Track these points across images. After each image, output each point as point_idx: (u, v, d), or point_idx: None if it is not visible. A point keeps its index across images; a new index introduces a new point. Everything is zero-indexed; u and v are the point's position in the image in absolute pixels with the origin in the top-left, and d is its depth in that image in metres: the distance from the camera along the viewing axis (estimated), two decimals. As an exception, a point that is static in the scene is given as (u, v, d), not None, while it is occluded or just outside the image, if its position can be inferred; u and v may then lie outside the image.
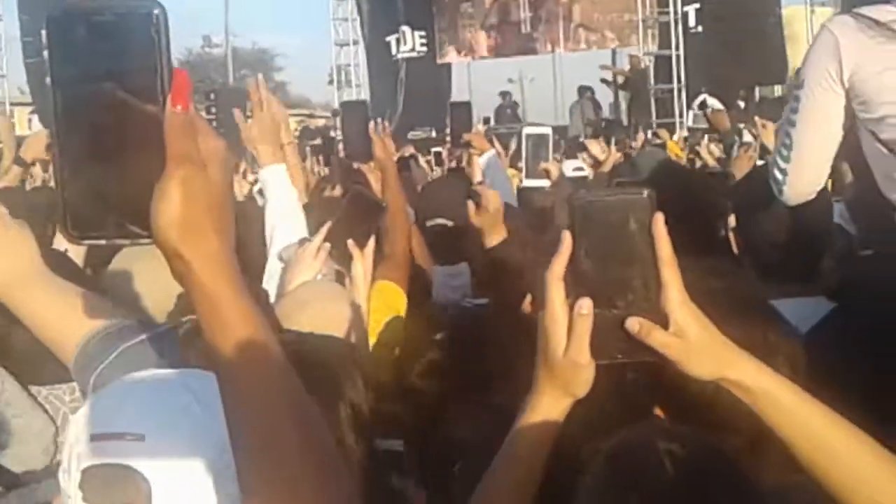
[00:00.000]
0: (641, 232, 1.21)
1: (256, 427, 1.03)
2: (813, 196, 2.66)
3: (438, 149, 9.82)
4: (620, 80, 19.48)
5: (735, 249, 2.89)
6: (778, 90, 18.40)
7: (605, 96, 20.75)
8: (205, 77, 35.65)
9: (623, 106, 20.05)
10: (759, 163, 5.24)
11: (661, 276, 1.21)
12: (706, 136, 9.62)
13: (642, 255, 1.21)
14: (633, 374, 1.46)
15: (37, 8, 18.50)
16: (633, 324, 1.22)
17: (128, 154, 0.96)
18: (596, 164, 7.56)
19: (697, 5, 18.23)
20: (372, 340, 2.73)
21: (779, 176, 2.66)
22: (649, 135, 11.93)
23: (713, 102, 12.27)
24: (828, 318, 2.48)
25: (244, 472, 1.04)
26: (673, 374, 1.25)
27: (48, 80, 0.95)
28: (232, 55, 36.92)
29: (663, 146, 9.91)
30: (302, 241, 2.82)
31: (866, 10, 2.48)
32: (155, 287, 2.51)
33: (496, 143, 5.20)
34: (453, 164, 8.68)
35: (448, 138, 6.92)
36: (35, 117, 16.36)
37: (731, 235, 2.95)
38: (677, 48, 18.29)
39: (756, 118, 6.02)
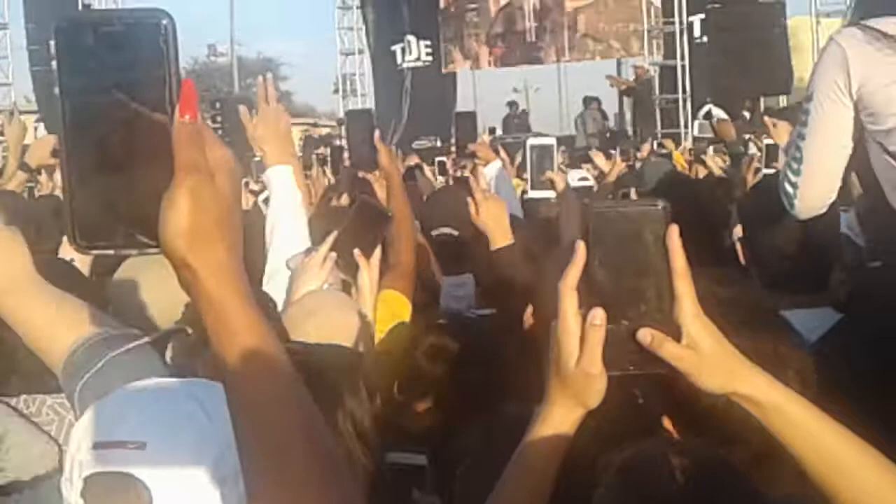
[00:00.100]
0: (656, 243, 1.21)
1: (263, 435, 1.03)
2: (825, 209, 2.65)
3: (442, 158, 9.81)
4: (625, 88, 19.50)
5: (742, 260, 2.88)
6: (783, 100, 18.40)
7: (610, 106, 20.79)
8: (210, 86, 35.83)
9: (628, 116, 20.06)
10: (767, 171, 5.23)
11: (674, 288, 1.21)
12: (711, 147, 9.61)
13: (656, 266, 1.21)
14: (643, 385, 1.45)
15: (43, 17, 18.62)
16: (646, 335, 1.22)
17: (136, 164, 0.96)
18: (601, 174, 7.56)
19: (702, 15, 18.24)
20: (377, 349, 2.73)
21: (790, 189, 2.65)
22: (655, 145, 11.92)
23: (718, 112, 12.26)
24: (835, 328, 2.48)
25: (250, 477, 1.04)
26: (684, 386, 1.25)
27: (56, 89, 0.95)
28: (237, 64, 37.10)
29: (669, 156, 9.91)
30: (308, 251, 2.82)
31: (874, 23, 2.48)
32: (160, 297, 2.51)
33: (502, 153, 5.19)
34: (458, 174, 8.68)
35: (453, 148, 6.92)
36: (41, 125, 16.38)
37: (738, 246, 2.94)
38: (682, 58, 18.32)
39: (765, 118, 5.99)
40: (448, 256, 3.93)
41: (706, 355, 1.22)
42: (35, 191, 6.41)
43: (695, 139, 12.72)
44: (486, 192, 3.22)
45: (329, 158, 10.06)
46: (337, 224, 2.90)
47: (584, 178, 7.44)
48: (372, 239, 2.87)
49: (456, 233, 4.05)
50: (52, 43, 0.95)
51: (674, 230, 1.21)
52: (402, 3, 21.36)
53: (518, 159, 6.62)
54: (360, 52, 22.84)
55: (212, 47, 43.49)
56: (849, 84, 2.47)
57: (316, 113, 39.03)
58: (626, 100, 19.88)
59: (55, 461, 2.03)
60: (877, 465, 1.23)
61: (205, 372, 1.43)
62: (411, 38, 21.37)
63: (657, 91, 18.64)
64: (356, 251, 2.78)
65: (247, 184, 7.81)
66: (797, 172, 2.63)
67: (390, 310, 2.99)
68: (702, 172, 7.82)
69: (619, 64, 21.46)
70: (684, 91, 18.20)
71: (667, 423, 1.52)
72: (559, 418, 1.33)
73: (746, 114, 15.58)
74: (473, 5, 21.02)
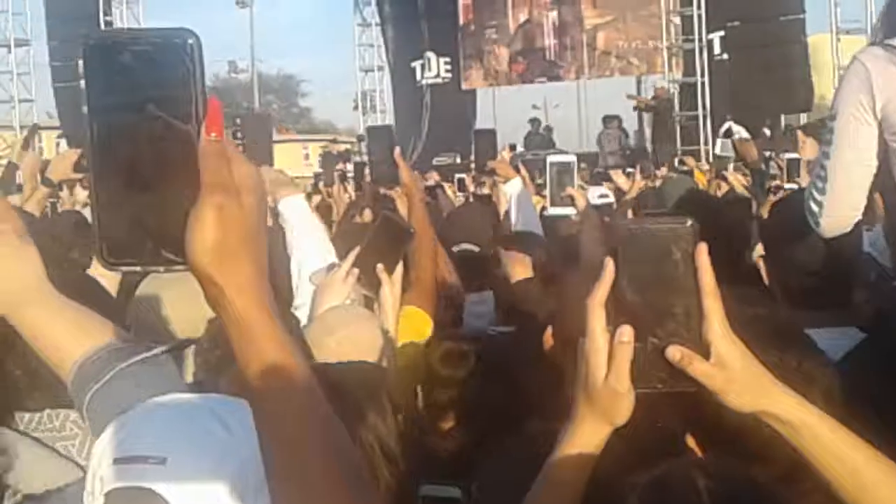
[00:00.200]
0: (684, 261, 1.21)
1: (287, 450, 1.04)
2: (850, 228, 2.64)
3: (462, 175, 9.82)
4: (644, 106, 19.47)
5: (765, 278, 2.87)
6: (803, 118, 18.35)
7: (630, 124, 20.76)
8: (231, 102, 36.03)
9: (648, 133, 20.03)
10: (789, 187, 5.21)
11: (703, 306, 1.21)
12: (731, 165, 9.60)
13: (684, 284, 1.21)
14: (666, 403, 1.44)
15: (67, 33, 18.81)
16: (675, 353, 1.22)
17: (163, 181, 0.96)
18: (620, 192, 7.55)
19: (723, 33, 18.25)
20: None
21: (815, 208, 2.64)
22: (675, 162, 11.91)
23: (738, 130, 12.26)
24: (859, 347, 2.46)
25: (276, 493, 1.05)
26: (711, 405, 1.24)
27: (84, 108, 0.95)
28: (258, 81, 37.32)
29: (689, 173, 9.89)
30: (331, 267, 2.83)
31: (896, 42, 2.48)
32: (182, 313, 2.51)
33: (522, 171, 5.19)
34: (478, 191, 8.69)
35: (472, 165, 6.93)
36: (63, 141, 16.52)
37: (760, 263, 2.93)
38: (703, 75, 18.30)
39: (799, 132, 5.97)
40: (469, 273, 3.93)
41: (735, 374, 1.22)
42: (57, 206, 6.45)
43: (715, 156, 12.71)
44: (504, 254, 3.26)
45: (351, 175, 10.08)
46: (359, 240, 2.91)
47: (605, 196, 7.44)
48: (394, 255, 2.87)
49: (476, 248, 4.05)
50: (80, 62, 0.96)
51: (703, 248, 1.21)
52: (421, 19, 21.47)
53: (538, 178, 6.62)
54: (380, 68, 22.99)
55: (232, 64, 43.81)
56: (873, 103, 2.47)
57: (336, 129, 39.27)
58: (646, 117, 19.88)
59: (69, 478, 2.03)
60: None
61: (228, 389, 1.43)
62: (431, 54, 21.46)
63: (677, 108, 18.62)
64: (379, 267, 2.78)
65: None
66: (822, 191, 2.62)
67: (412, 326, 2.99)
68: (722, 189, 7.80)
69: (638, 81, 21.46)
70: (704, 108, 18.18)
71: (690, 441, 1.52)
72: (587, 435, 1.33)
73: (767, 131, 15.56)
74: (493, 22, 21.10)
